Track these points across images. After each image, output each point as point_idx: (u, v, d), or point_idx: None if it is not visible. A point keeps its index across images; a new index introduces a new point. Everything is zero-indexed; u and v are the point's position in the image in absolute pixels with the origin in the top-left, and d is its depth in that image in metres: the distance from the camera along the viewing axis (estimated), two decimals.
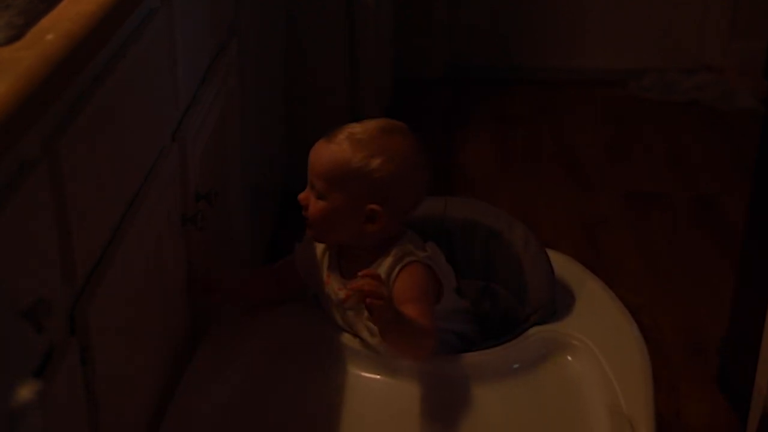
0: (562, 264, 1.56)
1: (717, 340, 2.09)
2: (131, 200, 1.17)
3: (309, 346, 1.40)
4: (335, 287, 1.39)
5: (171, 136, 1.37)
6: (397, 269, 1.35)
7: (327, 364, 1.37)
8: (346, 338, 1.39)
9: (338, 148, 1.36)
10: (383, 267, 1.36)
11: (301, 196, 1.39)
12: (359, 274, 1.26)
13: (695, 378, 2.07)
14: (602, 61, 3.72)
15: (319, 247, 1.43)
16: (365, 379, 1.35)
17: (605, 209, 2.80)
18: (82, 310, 0.98)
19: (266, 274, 1.51)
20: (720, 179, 2.99)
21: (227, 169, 1.77)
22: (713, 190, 2.92)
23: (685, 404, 1.99)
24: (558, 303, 1.46)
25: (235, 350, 1.39)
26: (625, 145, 3.24)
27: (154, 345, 1.28)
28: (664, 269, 2.50)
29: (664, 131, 3.36)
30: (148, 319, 1.24)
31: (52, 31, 0.90)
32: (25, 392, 0.73)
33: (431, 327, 1.32)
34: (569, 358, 1.38)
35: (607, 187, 2.93)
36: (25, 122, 0.80)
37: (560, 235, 2.66)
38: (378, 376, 1.35)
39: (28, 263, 0.86)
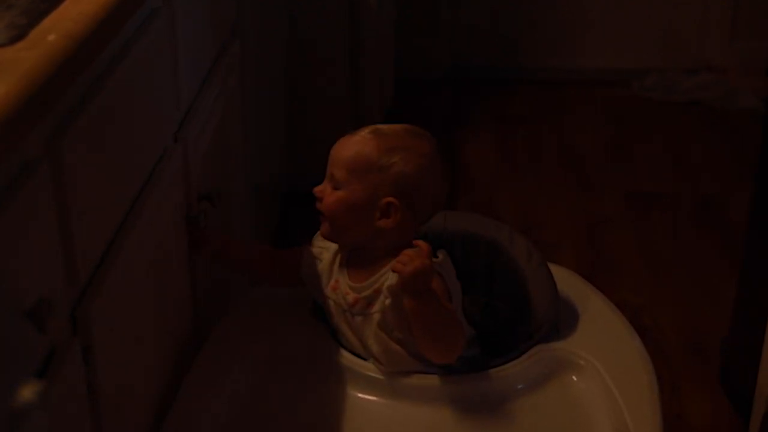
0: (565, 278, 1.52)
1: (718, 340, 2.09)
2: (133, 200, 1.17)
3: (309, 362, 1.37)
4: (343, 291, 1.36)
5: (173, 137, 1.37)
6: None
7: (326, 380, 1.34)
8: (346, 355, 1.36)
9: (362, 140, 1.35)
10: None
11: (317, 188, 1.37)
12: (414, 242, 1.25)
13: (697, 378, 2.07)
14: (603, 61, 3.73)
15: (327, 253, 1.40)
16: (365, 397, 1.32)
17: (606, 209, 2.80)
18: (84, 310, 0.98)
19: (266, 252, 1.50)
20: (721, 179, 2.99)
21: (229, 170, 1.77)
22: (715, 190, 2.92)
23: (687, 405, 1.99)
24: (561, 320, 1.42)
25: (233, 362, 1.37)
26: (627, 145, 3.24)
27: (156, 345, 1.28)
28: (665, 269, 2.50)
29: (665, 131, 3.36)
30: (150, 319, 1.24)
31: (54, 32, 0.90)
32: (27, 393, 0.73)
33: (460, 323, 1.30)
34: (574, 377, 1.35)
35: (609, 187, 2.93)
36: (27, 122, 0.80)
37: (561, 235, 2.66)
38: (378, 395, 1.32)
39: (30, 263, 0.86)
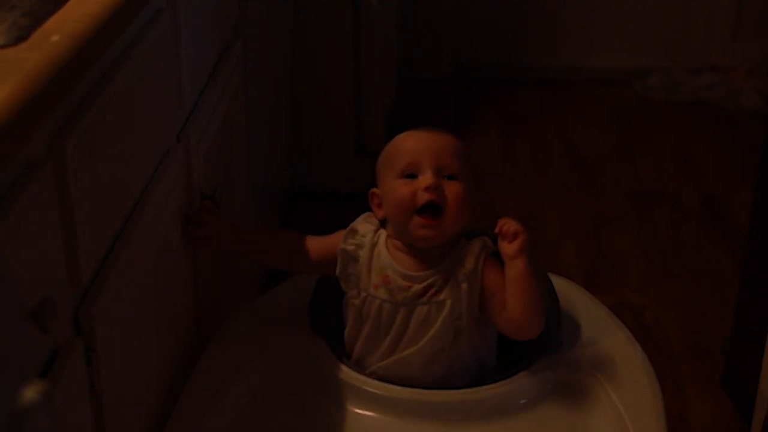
0: (566, 289, 1.50)
1: (721, 340, 2.09)
2: (136, 201, 1.17)
3: (307, 377, 1.35)
4: (400, 284, 1.30)
5: (176, 137, 1.37)
6: (482, 258, 1.30)
7: (324, 396, 1.32)
8: (345, 370, 1.33)
9: (440, 132, 1.34)
10: (471, 256, 1.30)
11: (430, 182, 1.27)
12: (502, 220, 1.26)
13: (699, 379, 2.07)
14: (608, 60, 3.72)
15: (362, 251, 1.34)
16: (364, 413, 1.30)
17: (611, 209, 2.80)
18: (87, 311, 0.99)
19: (279, 241, 1.43)
20: (725, 179, 2.99)
21: (232, 170, 1.77)
22: (718, 189, 2.92)
23: (690, 405, 1.99)
24: (563, 332, 1.41)
25: (230, 377, 1.35)
26: (630, 144, 3.24)
27: (159, 345, 1.28)
28: (669, 269, 2.50)
29: (669, 131, 3.36)
30: (153, 319, 1.24)
31: (58, 32, 0.90)
32: (30, 393, 0.73)
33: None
34: (577, 391, 1.34)
35: (613, 187, 2.93)
36: (30, 123, 0.80)
37: (565, 234, 2.66)
38: (378, 411, 1.30)
39: (33, 264, 0.86)
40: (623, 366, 1.38)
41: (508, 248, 1.26)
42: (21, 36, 0.89)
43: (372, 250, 1.34)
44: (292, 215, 2.65)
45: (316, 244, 1.40)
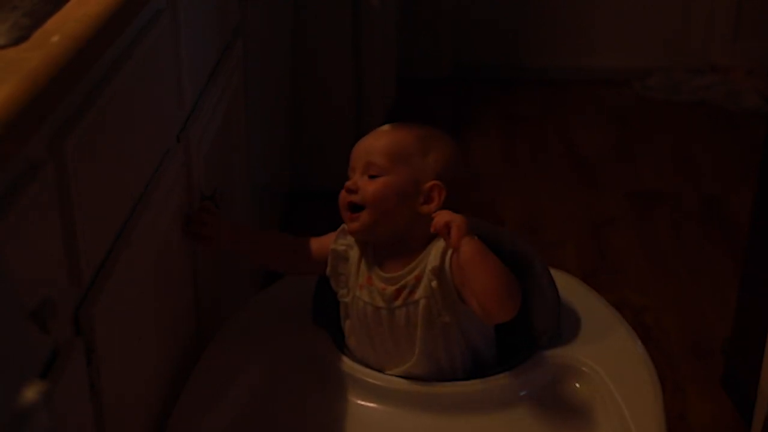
0: (567, 283, 1.51)
1: (721, 340, 2.09)
2: (136, 201, 1.17)
3: (310, 370, 1.36)
4: (379, 287, 1.34)
5: (176, 137, 1.37)
6: (450, 251, 1.30)
7: (327, 389, 1.33)
8: (348, 363, 1.34)
9: (392, 130, 1.37)
10: (436, 252, 1.31)
11: (350, 182, 1.34)
12: (435, 220, 1.26)
13: (699, 379, 2.07)
14: (609, 61, 3.73)
15: (353, 251, 1.38)
16: (366, 405, 1.31)
17: (611, 209, 2.80)
18: (88, 311, 0.99)
19: (279, 241, 1.48)
20: (725, 179, 2.99)
21: (232, 170, 1.77)
22: (718, 189, 2.92)
23: (690, 405, 1.99)
24: (563, 326, 1.41)
25: (233, 372, 1.35)
26: (630, 144, 3.24)
27: (159, 345, 1.28)
28: (669, 269, 2.50)
29: (669, 131, 3.36)
30: (153, 319, 1.25)
31: (58, 33, 0.90)
32: (31, 393, 0.73)
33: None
34: (577, 384, 1.34)
35: (613, 187, 2.93)
36: (30, 123, 0.80)
37: (565, 234, 2.66)
38: (380, 402, 1.30)
39: (33, 264, 0.86)
40: (622, 358, 1.39)
41: (449, 241, 1.27)
42: (22, 36, 0.89)
43: (362, 251, 1.37)
44: (292, 215, 2.65)
45: (313, 245, 1.44)
